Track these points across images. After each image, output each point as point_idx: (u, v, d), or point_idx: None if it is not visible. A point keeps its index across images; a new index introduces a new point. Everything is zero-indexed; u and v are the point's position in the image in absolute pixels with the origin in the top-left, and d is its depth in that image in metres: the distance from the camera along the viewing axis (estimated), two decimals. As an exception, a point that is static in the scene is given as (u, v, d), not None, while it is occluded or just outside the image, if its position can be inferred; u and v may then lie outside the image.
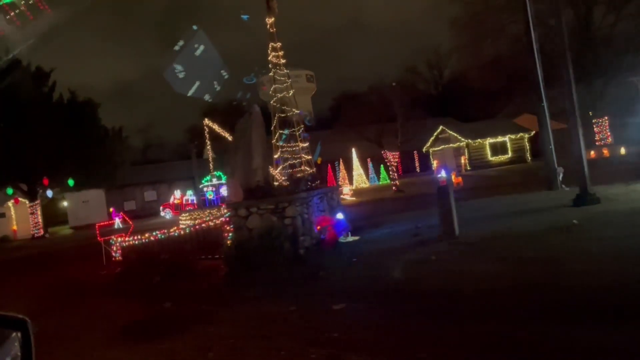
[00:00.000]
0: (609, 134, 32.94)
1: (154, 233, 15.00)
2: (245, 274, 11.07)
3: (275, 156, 38.51)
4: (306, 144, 39.04)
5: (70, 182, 39.42)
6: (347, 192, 33.95)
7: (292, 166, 38.62)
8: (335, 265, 10.41)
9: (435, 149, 49.53)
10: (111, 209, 43.66)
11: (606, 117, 32.61)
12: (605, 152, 31.16)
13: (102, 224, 16.39)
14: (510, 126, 48.18)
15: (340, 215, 13.47)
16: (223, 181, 44.16)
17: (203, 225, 13.44)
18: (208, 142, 32.17)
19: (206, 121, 31.95)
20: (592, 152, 31.25)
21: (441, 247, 9.97)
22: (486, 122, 50.94)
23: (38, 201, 40.08)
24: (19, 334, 2.16)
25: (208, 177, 42.34)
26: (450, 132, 46.65)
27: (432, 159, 50.74)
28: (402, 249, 10.65)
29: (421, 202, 25.31)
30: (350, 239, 13.34)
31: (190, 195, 44.55)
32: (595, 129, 32.58)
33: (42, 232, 40.23)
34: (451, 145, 46.96)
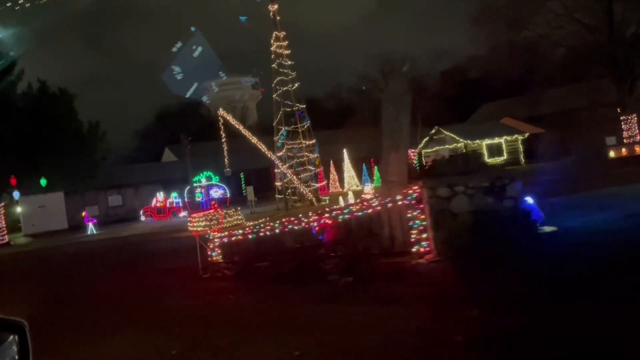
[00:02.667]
0: (637, 131, 32.33)
1: (276, 224, 11.87)
2: (479, 275, 8.30)
3: (279, 154, 35.71)
4: (312, 141, 36.47)
5: (43, 181, 34.60)
6: (368, 191, 31.38)
7: (301, 164, 35.79)
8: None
9: (429, 150, 47.85)
10: (83, 213, 38.84)
11: (634, 115, 32.00)
12: (638, 149, 30.41)
13: (197, 214, 13.05)
14: (505, 128, 47.41)
15: (530, 200, 10.86)
16: (214, 182, 40.59)
17: (368, 210, 10.47)
18: (223, 135, 28.70)
19: (221, 112, 28.53)
20: (624, 150, 30.48)
21: None
22: (480, 124, 49.95)
23: (3, 204, 34.92)
24: (16, 337, 2.14)
25: (199, 177, 38.65)
26: (447, 133, 45.16)
27: (424, 161, 48.93)
28: None
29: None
30: (547, 229, 10.79)
31: (175, 198, 40.47)
32: (623, 127, 31.85)
33: (6, 239, 35.05)
34: (447, 146, 45.45)
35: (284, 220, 11.86)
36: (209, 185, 39.74)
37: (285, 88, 35.08)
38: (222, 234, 12.64)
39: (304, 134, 35.86)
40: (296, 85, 35.43)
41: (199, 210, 34.60)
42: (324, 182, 38.27)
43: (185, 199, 39.58)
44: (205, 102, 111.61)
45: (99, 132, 38.89)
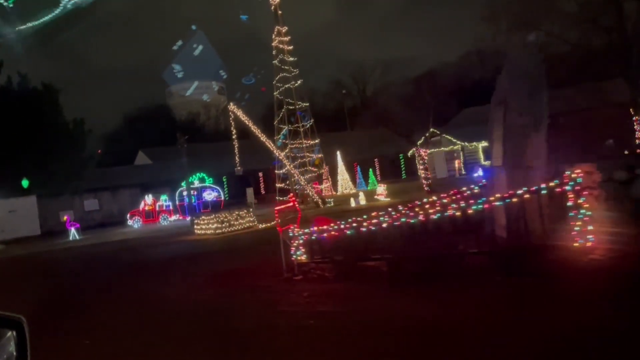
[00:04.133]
0: (650, 131, 31.99)
1: (382, 219, 10.17)
2: None
3: (282, 153, 33.95)
4: (316, 141, 34.89)
5: (24, 182, 31.71)
6: (381, 192, 29.98)
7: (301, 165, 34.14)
8: None
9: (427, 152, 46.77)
10: (65, 217, 35.93)
11: (647, 115, 31.63)
12: (652, 149, 30.01)
13: (281, 207, 11.23)
14: (499, 130, 46.75)
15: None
16: (207, 184, 38.39)
17: (512, 200, 8.88)
18: (234, 130, 26.75)
19: (231, 106, 26.62)
20: (638, 151, 30.01)
21: None
22: (476, 126, 49.21)
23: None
24: (14, 334, 2.13)
25: (192, 179, 36.33)
26: (444, 135, 44.21)
27: (418, 164, 47.80)
28: None
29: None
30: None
31: (165, 201, 37.95)
32: (635, 127, 31.45)
33: (-19, 246, 32.06)
34: (442, 148, 44.47)
35: (392, 213, 10.22)
36: (202, 187, 37.56)
37: (287, 85, 33.40)
38: (307, 230, 10.88)
39: (305, 133, 34.26)
40: (299, 82, 33.82)
41: (195, 212, 32.41)
42: (321, 185, 36.57)
43: (177, 202, 37.29)
44: (206, 100, 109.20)
45: (85, 129, 36.11)
